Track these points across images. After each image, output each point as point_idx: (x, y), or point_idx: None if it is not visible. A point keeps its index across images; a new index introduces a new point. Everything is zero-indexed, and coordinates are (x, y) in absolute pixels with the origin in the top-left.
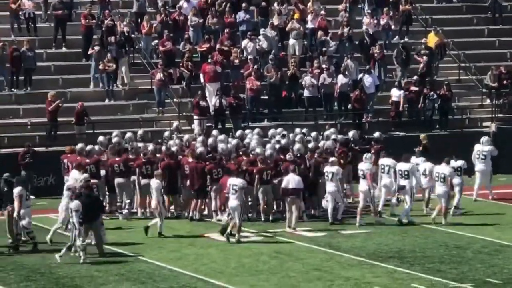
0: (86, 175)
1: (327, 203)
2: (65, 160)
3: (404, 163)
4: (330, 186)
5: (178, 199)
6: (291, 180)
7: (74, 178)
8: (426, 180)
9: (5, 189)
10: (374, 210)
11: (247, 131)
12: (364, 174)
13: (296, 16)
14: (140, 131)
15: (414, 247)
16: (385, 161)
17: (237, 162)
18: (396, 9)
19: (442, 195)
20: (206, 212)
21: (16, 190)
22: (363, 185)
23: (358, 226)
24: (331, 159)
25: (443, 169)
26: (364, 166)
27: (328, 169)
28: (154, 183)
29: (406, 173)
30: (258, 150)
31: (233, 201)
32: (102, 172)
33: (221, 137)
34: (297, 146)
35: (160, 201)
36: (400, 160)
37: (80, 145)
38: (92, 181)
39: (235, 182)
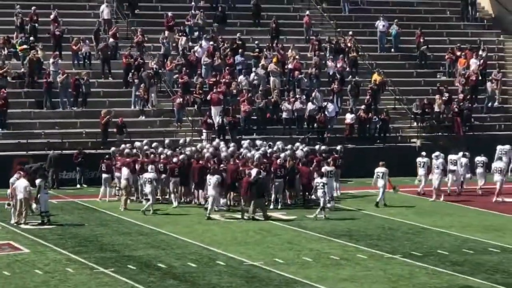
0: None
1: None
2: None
3: None
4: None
5: (189, 189)
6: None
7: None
8: None
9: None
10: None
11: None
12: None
13: (274, 60)
14: (166, 140)
15: (360, 228)
16: (480, 158)
17: (234, 164)
18: (347, 56)
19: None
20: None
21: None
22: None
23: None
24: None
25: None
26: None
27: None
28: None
29: None
30: (249, 155)
31: (380, 182)
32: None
33: (222, 144)
34: (282, 155)
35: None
36: None
37: (122, 146)
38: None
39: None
